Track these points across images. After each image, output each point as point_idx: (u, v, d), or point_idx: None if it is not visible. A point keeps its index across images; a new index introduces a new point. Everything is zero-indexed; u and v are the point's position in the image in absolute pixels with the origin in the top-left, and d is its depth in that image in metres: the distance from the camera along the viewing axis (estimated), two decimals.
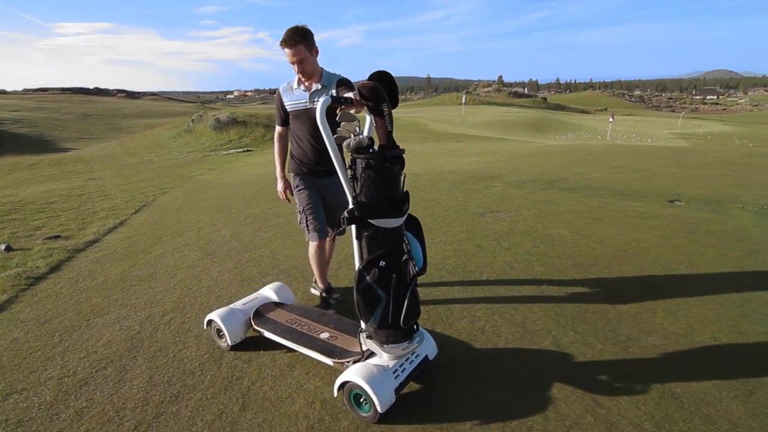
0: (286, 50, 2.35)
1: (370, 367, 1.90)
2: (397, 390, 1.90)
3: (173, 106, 53.90)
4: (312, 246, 2.74)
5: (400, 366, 1.96)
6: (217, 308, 2.58)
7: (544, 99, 67.35)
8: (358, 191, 1.84)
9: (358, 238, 1.88)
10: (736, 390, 2.04)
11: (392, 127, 1.85)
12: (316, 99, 2.49)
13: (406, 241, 1.91)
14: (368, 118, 2.04)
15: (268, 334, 2.41)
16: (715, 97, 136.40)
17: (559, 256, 3.71)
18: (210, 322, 2.54)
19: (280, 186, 2.81)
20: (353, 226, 1.87)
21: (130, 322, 2.87)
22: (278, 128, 2.75)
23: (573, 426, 1.84)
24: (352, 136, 1.83)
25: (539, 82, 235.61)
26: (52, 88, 66.13)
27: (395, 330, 1.90)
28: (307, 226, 2.69)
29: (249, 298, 2.74)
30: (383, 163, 1.80)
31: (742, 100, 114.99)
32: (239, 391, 2.11)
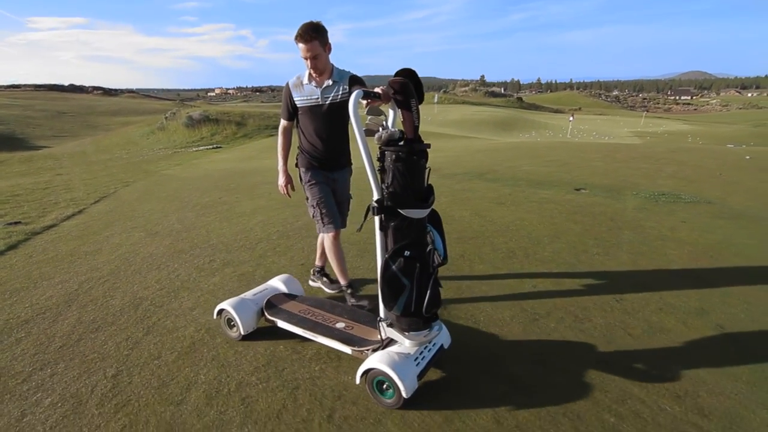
0: (301, 45, 2.35)
1: (392, 355, 1.96)
2: (419, 376, 1.96)
3: (151, 104, 53.53)
4: (328, 238, 2.73)
5: (420, 354, 2.03)
6: (228, 298, 2.61)
7: (519, 99, 69.08)
8: (389, 182, 1.88)
9: (383, 228, 1.93)
10: (530, 316, 2.75)
11: (419, 122, 1.93)
12: (327, 95, 2.53)
13: (429, 232, 1.98)
14: (392, 112, 2.12)
15: (282, 324, 2.44)
16: (689, 97, 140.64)
17: (449, 232, 4.35)
18: (221, 311, 2.55)
19: (282, 180, 2.75)
20: (377, 218, 1.93)
21: (71, 283, 3.45)
22: (284, 122, 2.72)
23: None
24: (380, 129, 1.91)
25: (521, 82, 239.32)
26: (25, 85, 64.77)
27: (417, 318, 1.97)
28: (322, 219, 2.70)
29: (259, 289, 2.76)
30: (412, 156, 1.85)
31: (714, 101, 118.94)
32: (146, 324, 2.73)
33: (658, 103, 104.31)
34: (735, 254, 3.96)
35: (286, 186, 2.76)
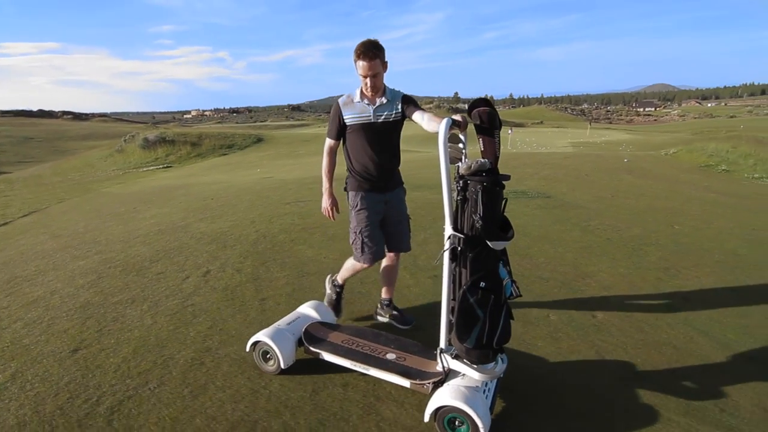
0: (363, 63, 2.34)
1: (463, 390, 1.88)
2: (491, 410, 1.91)
3: (122, 127, 53.68)
4: (358, 265, 2.69)
5: (485, 386, 1.97)
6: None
7: None
8: (480, 214, 1.84)
9: (456, 259, 1.93)
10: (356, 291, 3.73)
11: (500, 152, 1.95)
12: (380, 113, 2.50)
13: (506, 265, 1.98)
14: (462, 138, 2.15)
15: (327, 356, 2.29)
16: (653, 109, 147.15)
17: (311, 226, 5.34)
18: (256, 344, 2.37)
19: (326, 202, 2.64)
20: (448, 249, 1.93)
21: None
22: (330, 141, 2.61)
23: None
24: (463, 157, 1.96)
25: (495, 98, 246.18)
26: None
27: (488, 350, 1.93)
28: (362, 248, 2.61)
29: (291, 317, 2.60)
30: (495, 186, 1.85)
31: (674, 112, 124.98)
32: (10, 291, 3.63)
33: (621, 115, 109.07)
34: (523, 234, 5.02)
35: (331, 208, 2.65)
